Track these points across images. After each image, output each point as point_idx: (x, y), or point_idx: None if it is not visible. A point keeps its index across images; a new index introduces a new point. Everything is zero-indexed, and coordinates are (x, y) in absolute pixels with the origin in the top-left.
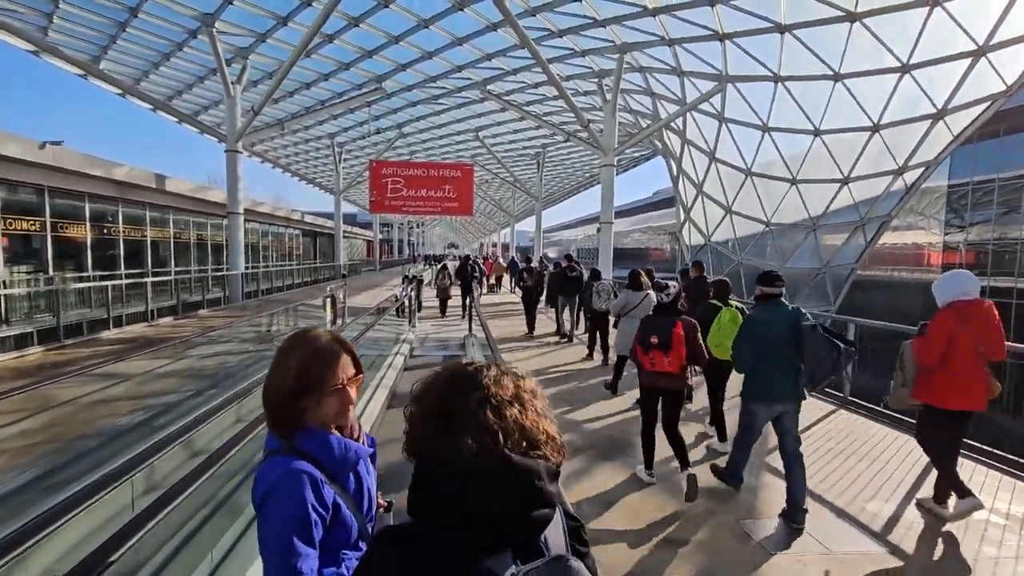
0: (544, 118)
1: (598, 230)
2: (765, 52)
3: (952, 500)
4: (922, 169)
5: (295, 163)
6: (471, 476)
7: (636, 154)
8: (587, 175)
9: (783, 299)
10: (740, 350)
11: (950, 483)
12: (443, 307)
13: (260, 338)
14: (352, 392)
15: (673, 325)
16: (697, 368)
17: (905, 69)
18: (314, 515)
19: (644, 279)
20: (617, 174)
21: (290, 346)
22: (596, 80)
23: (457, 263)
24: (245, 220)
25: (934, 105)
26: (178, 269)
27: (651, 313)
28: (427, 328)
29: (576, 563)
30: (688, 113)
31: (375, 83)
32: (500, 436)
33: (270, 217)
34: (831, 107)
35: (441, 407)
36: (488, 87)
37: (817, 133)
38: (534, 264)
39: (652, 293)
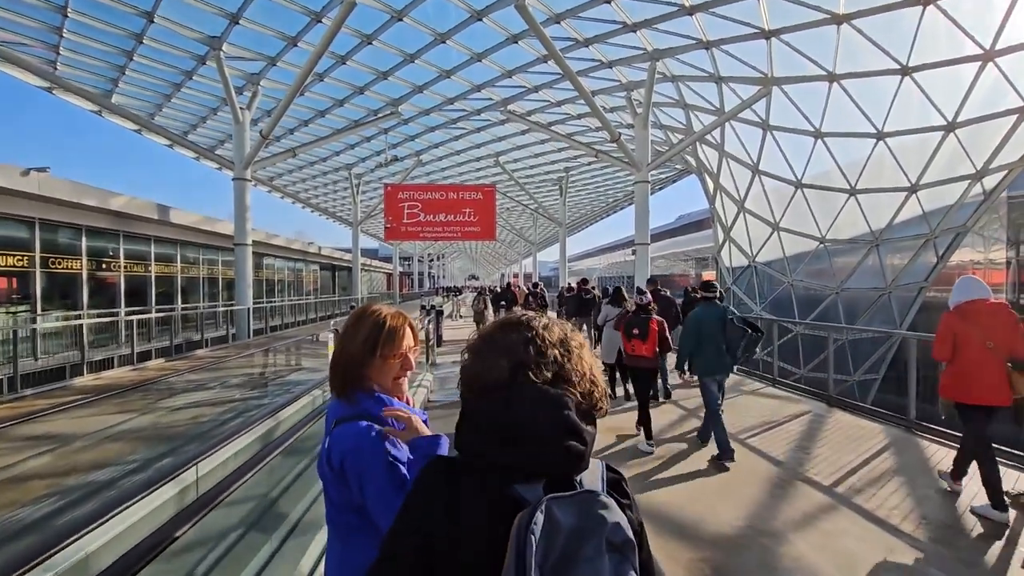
0: (569, 138)
1: (633, 252)
2: (818, 48)
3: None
4: (1004, 173)
5: (314, 197)
6: (505, 396)
7: (661, 175)
8: (611, 200)
9: (716, 300)
10: (684, 336)
11: (991, 483)
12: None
13: (251, 383)
14: (412, 359)
15: (649, 320)
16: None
17: (988, 57)
18: (395, 460)
19: (625, 295)
20: (632, 203)
21: (359, 316)
22: (625, 94)
23: (479, 293)
24: (259, 253)
25: (1022, 97)
26: (185, 305)
27: (631, 313)
28: (449, 368)
29: (608, 500)
30: (727, 123)
31: (391, 107)
32: (539, 368)
33: (285, 250)
34: (897, 106)
35: (487, 348)
36: (509, 107)
37: (880, 136)
38: (539, 289)
39: (630, 306)
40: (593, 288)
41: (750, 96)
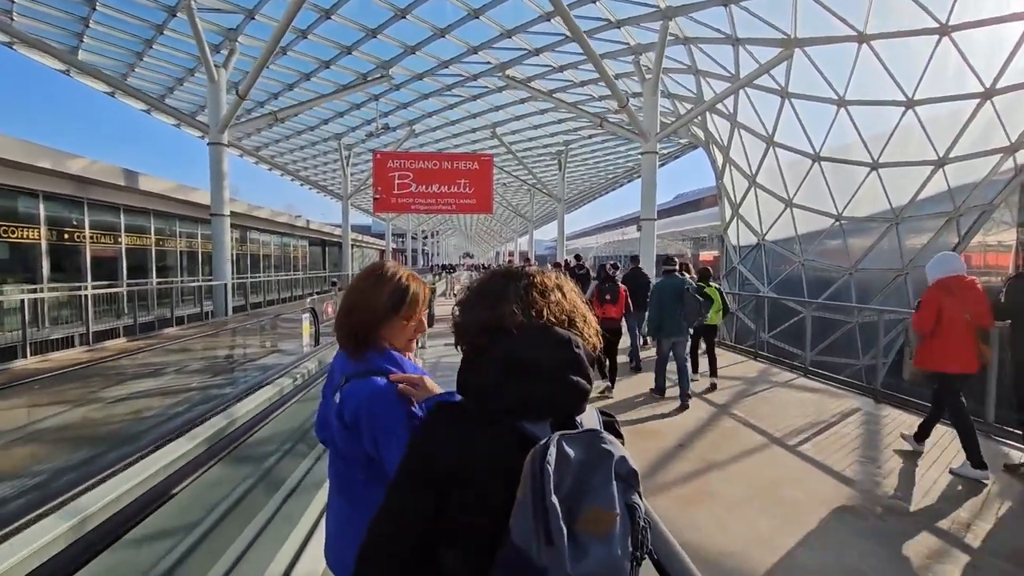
0: (572, 106)
1: (638, 228)
2: (848, 4)
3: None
4: None
5: (303, 169)
6: (517, 335)
7: (663, 151)
8: (610, 176)
9: (676, 273)
10: (651, 305)
11: (970, 445)
12: None
13: (216, 367)
14: (424, 322)
15: (618, 288)
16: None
17: None
18: (415, 418)
19: (610, 272)
20: (631, 179)
21: (379, 275)
22: (632, 58)
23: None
24: (242, 226)
25: None
26: (161, 280)
27: (602, 282)
28: (440, 350)
29: (610, 437)
30: (742, 90)
31: (381, 70)
32: (544, 310)
33: (270, 223)
34: (931, 71)
35: (489, 292)
36: (508, 72)
37: (910, 104)
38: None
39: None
40: (585, 264)
41: (769, 60)
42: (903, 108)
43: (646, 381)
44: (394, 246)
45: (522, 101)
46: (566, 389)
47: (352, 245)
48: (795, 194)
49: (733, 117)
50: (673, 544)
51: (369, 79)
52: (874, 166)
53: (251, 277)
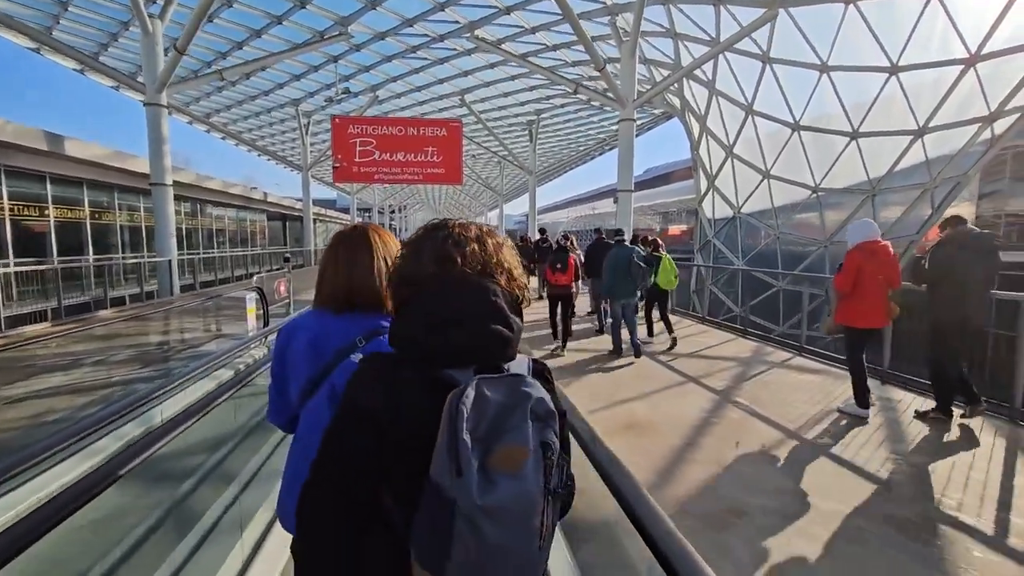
0: (546, 70)
1: (615, 200)
2: None
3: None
4: (1017, 115)
5: (260, 139)
6: (434, 287)
7: (636, 121)
8: (582, 148)
9: (624, 243)
10: (604, 272)
11: (859, 387)
12: None
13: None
14: None
15: (567, 257)
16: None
17: None
18: None
19: (570, 244)
20: (602, 152)
21: (377, 237)
22: (608, 19)
23: None
24: (192, 198)
25: None
26: (98, 257)
27: (554, 252)
28: None
29: (533, 381)
30: (721, 55)
31: (339, 27)
32: (458, 259)
33: (223, 195)
34: (918, 35)
35: (412, 246)
36: (477, 32)
37: (894, 70)
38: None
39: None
40: (548, 238)
41: (753, 21)
42: (886, 75)
43: (607, 342)
44: (360, 220)
45: (492, 66)
46: (485, 337)
47: (315, 220)
48: (773, 165)
49: (712, 84)
50: (636, 485)
51: (326, 37)
52: (854, 135)
53: (204, 253)
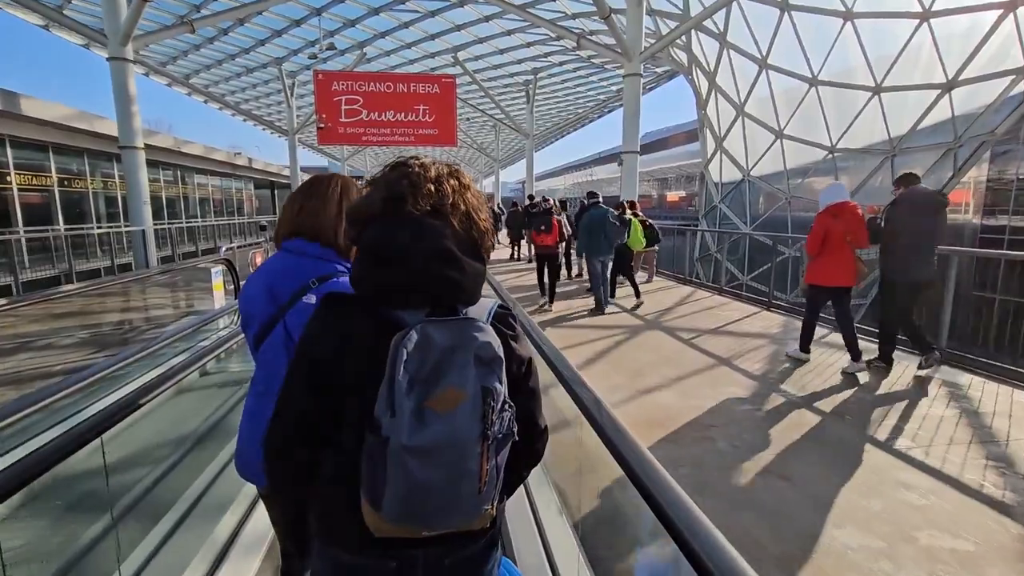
0: (545, 22)
1: (619, 163)
2: None
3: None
4: None
5: (243, 101)
6: (383, 225)
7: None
8: (581, 110)
9: (599, 205)
10: (581, 231)
11: (805, 336)
12: None
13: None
14: None
15: (551, 219)
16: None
17: None
18: None
19: (554, 207)
20: (601, 115)
21: (342, 184)
22: None
23: None
24: (171, 164)
25: None
26: (68, 228)
27: (539, 214)
28: None
29: (485, 326)
30: (735, 4)
31: None
32: (414, 200)
33: (205, 161)
34: None
35: (371, 184)
36: None
37: (926, 16)
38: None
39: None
40: (539, 203)
41: None
42: (917, 21)
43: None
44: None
45: (487, 19)
46: (430, 278)
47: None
48: (786, 124)
49: (723, 36)
50: (624, 430)
51: None
52: (876, 90)
53: (186, 223)
